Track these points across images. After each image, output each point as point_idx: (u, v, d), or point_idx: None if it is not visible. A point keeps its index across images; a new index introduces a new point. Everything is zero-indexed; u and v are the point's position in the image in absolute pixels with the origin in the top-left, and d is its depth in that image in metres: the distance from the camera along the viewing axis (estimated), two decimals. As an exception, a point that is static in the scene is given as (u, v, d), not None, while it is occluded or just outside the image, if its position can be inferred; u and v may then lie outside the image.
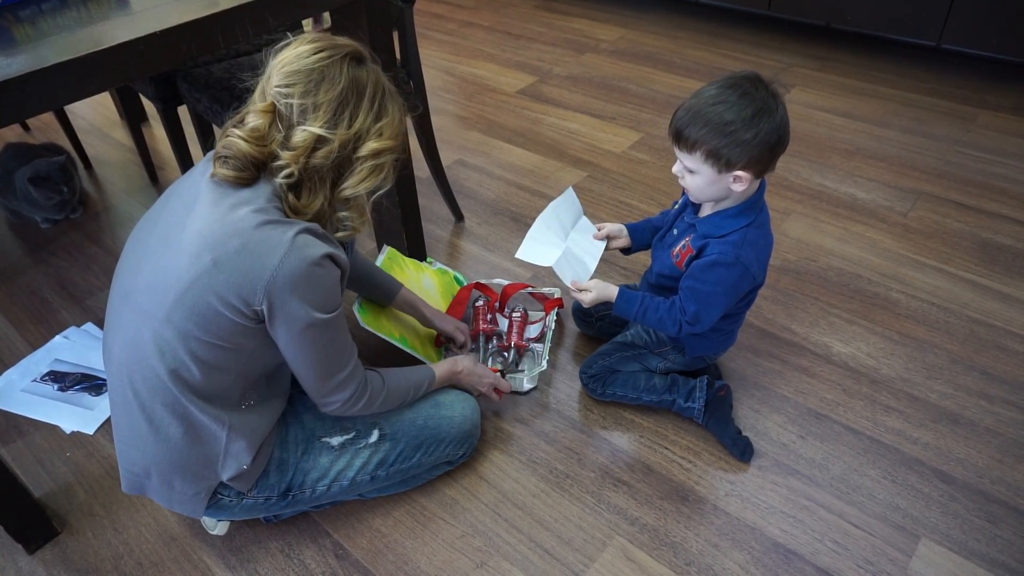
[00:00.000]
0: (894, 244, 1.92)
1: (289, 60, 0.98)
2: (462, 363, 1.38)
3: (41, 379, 1.64)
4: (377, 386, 1.17)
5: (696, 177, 1.20)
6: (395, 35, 1.64)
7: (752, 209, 1.23)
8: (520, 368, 1.57)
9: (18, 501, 1.25)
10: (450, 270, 1.81)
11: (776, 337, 1.65)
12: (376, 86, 1.02)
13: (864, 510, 1.29)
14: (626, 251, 1.50)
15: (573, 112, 2.64)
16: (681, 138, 1.17)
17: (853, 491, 1.33)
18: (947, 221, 2.00)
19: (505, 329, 1.64)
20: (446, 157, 2.29)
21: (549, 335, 1.61)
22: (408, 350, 1.45)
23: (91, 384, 1.62)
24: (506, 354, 1.59)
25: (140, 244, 1.06)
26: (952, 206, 2.06)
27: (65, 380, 1.64)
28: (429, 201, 2.13)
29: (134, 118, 2.42)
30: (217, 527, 1.29)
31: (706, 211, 1.29)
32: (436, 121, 2.45)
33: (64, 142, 2.41)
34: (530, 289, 1.76)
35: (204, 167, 1.04)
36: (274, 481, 1.15)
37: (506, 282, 1.75)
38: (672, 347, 1.44)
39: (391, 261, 1.62)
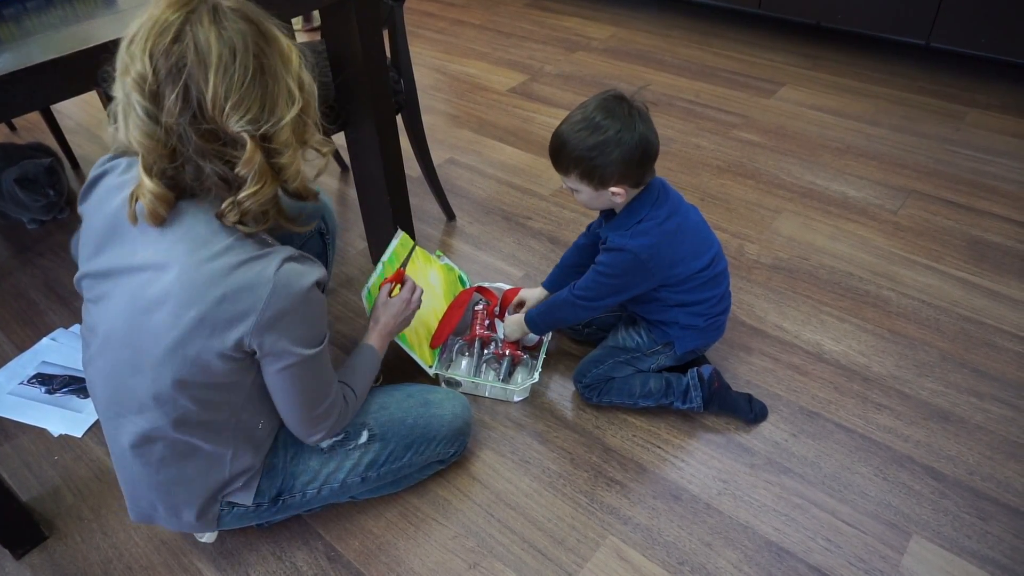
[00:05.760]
0: (885, 242, 1.92)
1: (219, 75, 0.82)
2: (382, 319, 1.32)
3: (28, 382, 1.62)
4: (350, 396, 1.17)
5: (580, 194, 1.31)
6: (385, 34, 1.63)
7: (641, 207, 1.30)
8: (514, 377, 1.55)
9: (5, 506, 1.24)
10: (456, 267, 1.78)
11: (768, 335, 1.65)
12: (244, 35, 0.85)
13: (856, 508, 1.30)
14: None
15: (565, 110, 2.61)
16: (556, 163, 1.29)
17: (845, 489, 1.33)
18: (937, 219, 2.01)
19: (502, 336, 1.60)
20: (437, 156, 2.28)
21: (545, 345, 1.57)
22: (404, 347, 1.44)
23: (79, 386, 1.60)
24: (500, 362, 1.55)
25: (103, 279, 0.97)
26: (942, 204, 2.07)
27: (53, 383, 1.62)
28: (420, 200, 2.12)
29: (122, 117, 2.39)
30: (206, 535, 1.27)
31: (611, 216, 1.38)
32: (427, 120, 2.44)
33: (51, 142, 2.39)
34: None
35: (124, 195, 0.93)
36: (264, 487, 1.14)
37: (507, 286, 1.71)
38: (663, 347, 1.44)
39: (404, 248, 1.59)
